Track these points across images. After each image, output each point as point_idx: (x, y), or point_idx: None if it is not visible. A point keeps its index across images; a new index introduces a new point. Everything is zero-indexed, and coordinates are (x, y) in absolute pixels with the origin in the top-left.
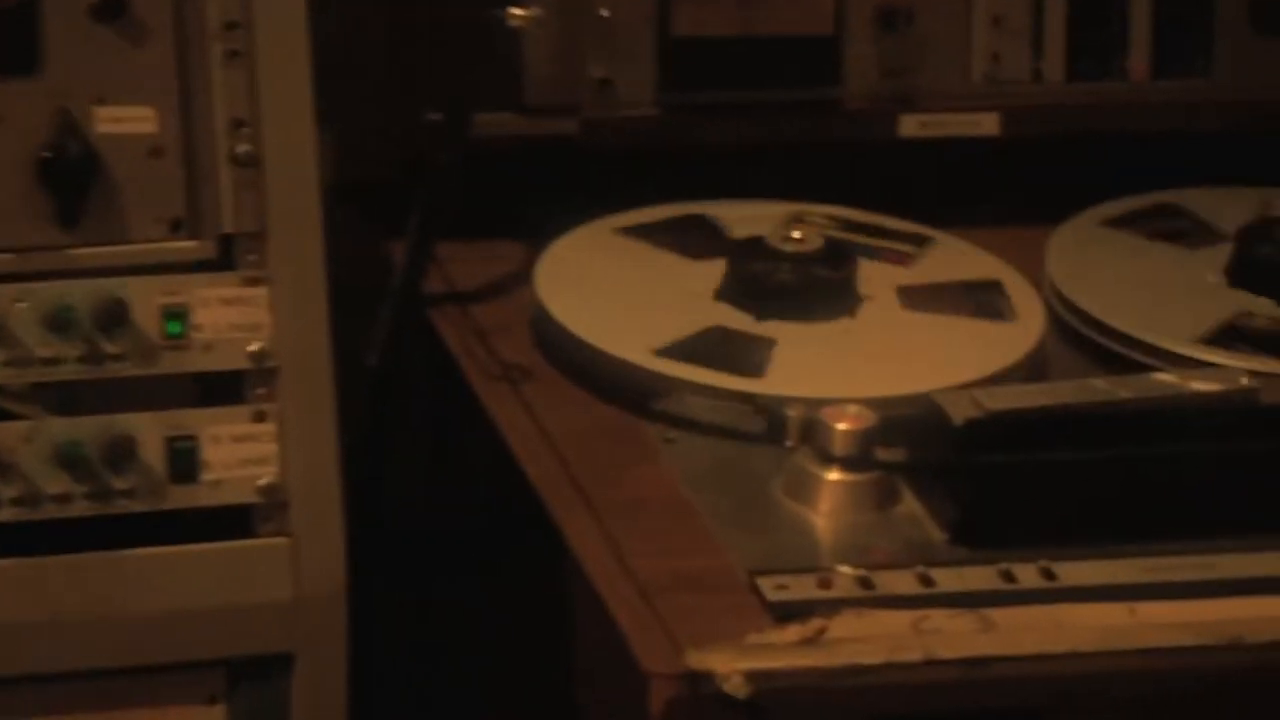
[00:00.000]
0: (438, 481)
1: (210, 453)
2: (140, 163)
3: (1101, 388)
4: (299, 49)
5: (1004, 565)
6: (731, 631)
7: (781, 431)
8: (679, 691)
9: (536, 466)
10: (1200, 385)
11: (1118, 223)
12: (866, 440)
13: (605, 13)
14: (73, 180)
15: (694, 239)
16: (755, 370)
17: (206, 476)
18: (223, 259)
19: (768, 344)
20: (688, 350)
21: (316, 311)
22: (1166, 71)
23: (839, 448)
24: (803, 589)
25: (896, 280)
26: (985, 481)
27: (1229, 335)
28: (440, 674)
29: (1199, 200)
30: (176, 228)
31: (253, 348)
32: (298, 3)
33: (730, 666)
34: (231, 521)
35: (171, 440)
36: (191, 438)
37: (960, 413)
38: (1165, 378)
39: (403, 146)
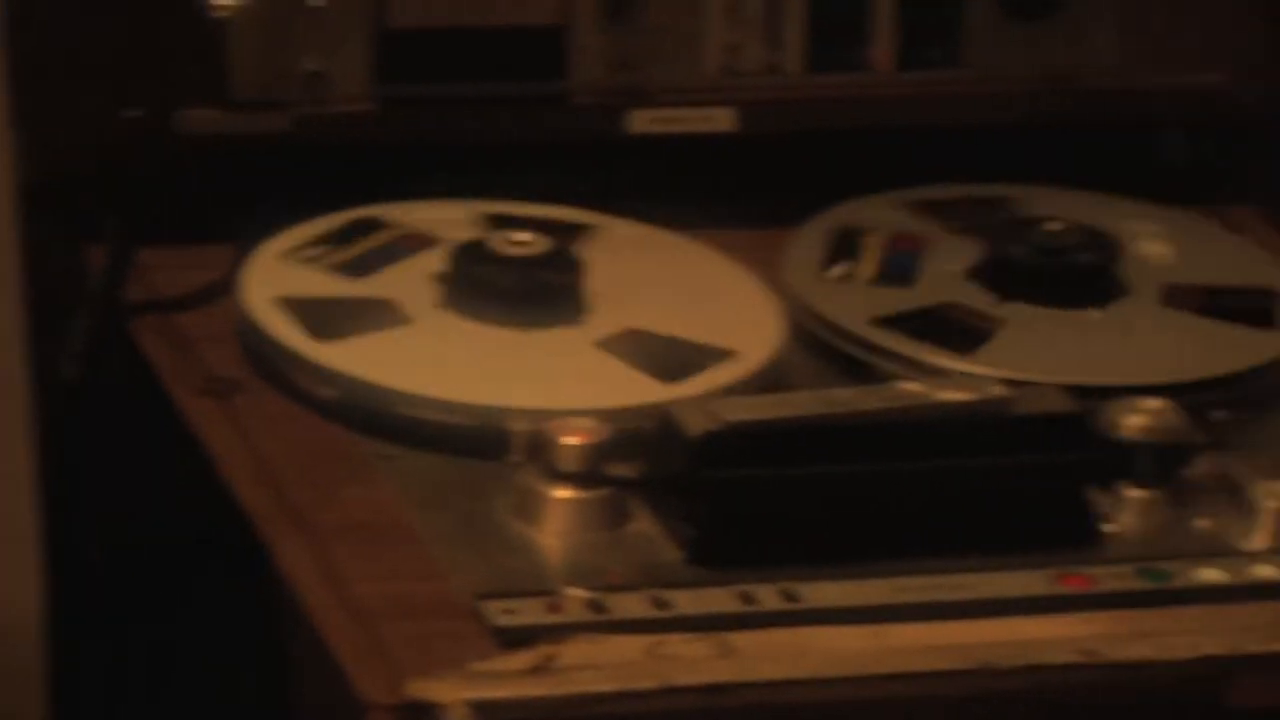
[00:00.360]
0: (142, 504)
1: None
2: None
3: (845, 398)
4: None
5: (743, 586)
6: (455, 659)
7: (506, 447)
8: None
9: (247, 488)
10: (949, 395)
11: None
12: (596, 455)
13: (317, 1)
14: None
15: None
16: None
17: None
18: None
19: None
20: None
21: (9, 322)
22: (913, 62)
23: (567, 464)
24: (531, 614)
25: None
26: (723, 498)
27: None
28: (149, 707)
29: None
30: None
31: None
32: None
33: (454, 696)
34: None
35: None
36: None
37: (696, 425)
38: (912, 387)
39: (101, 145)
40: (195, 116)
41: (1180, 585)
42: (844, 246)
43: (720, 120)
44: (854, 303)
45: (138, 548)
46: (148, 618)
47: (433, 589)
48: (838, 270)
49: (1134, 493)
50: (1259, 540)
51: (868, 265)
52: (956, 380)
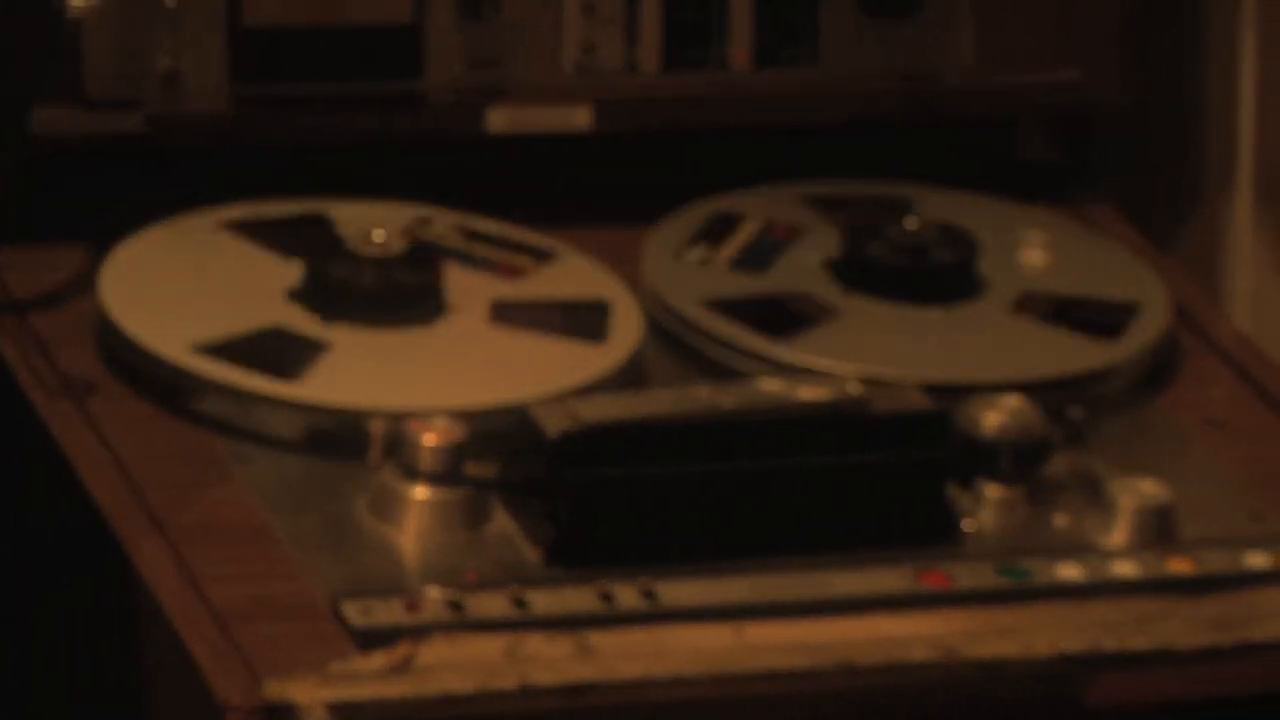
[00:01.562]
0: (2, 507)
1: None
2: None
3: (704, 396)
4: None
5: (603, 586)
6: (314, 660)
7: (365, 447)
8: None
9: (103, 489)
10: (807, 393)
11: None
12: (455, 455)
13: (170, 2)
14: None
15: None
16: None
17: None
18: None
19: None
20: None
21: None
22: (771, 60)
23: (425, 463)
24: (389, 614)
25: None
26: (581, 498)
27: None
28: (1, 709)
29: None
30: None
31: None
32: None
33: (312, 697)
34: None
35: None
36: None
37: (555, 425)
38: (771, 385)
39: None
40: (50, 116)
41: (1039, 583)
42: (712, 233)
43: (578, 119)
44: (697, 286)
45: None
46: (5, 622)
47: (291, 590)
48: (696, 254)
49: (993, 490)
50: (1117, 537)
51: (728, 250)
52: (815, 379)
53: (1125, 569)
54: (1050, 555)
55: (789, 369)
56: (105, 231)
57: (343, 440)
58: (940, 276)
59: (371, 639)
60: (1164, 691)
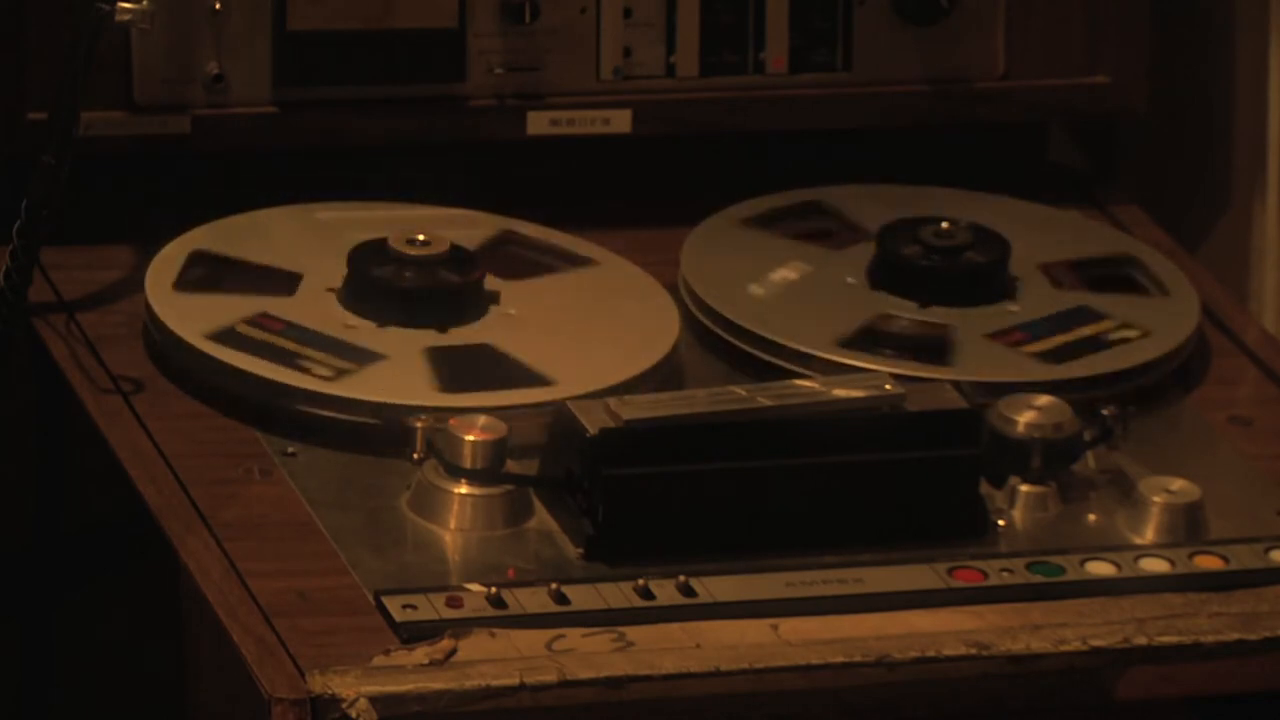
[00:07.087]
0: (49, 502)
1: None
2: None
3: (741, 395)
4: None
5: (641, 581)
6: (357, 654)
7: (407, 443)
8: (301, 717)
9: (150, 485)
10: (843, 392)
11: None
12: (497, 452)
13: (218, 5)
14: None
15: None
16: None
17: None
18: None
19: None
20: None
21: None
22: (806, 64)
23: (468, 461)
24: (431, 609)
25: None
26: (620, 495)
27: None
28: (48, 703)
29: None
30: None
31: None
32: None
33: (355, 690)
34: None
35: None
36: None
37: (594, 423)
38: (807, 384)
39: (4, 147)
40: (98, 118)
41: (1070, 579)
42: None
43: (617, 122)
44: (719, 262)
45: (44, 545)
46: (46, 613)
47: (334, 584)
48: (747, 236)
49: (1026, 488)
50: (1148, 534)
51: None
52: (849, 377)
53: (1155, 566)
54: (1081, 552)
55: (762, 344)
56: (152, 232)
57: (385, 437)
58: (964, 278)
59: (413, 633)
60: (1192, 686)
